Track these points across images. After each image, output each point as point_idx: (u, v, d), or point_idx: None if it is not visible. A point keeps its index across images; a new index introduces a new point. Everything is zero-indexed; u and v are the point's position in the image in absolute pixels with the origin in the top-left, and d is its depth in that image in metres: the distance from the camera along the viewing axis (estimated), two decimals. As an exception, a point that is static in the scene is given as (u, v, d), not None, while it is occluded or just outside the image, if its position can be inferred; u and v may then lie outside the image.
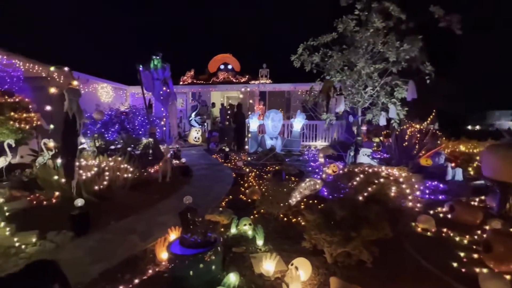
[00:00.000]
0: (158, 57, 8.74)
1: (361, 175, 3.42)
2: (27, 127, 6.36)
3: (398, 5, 5.38)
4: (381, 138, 10.00)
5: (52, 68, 7.54)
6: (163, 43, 23.97)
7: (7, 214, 3.67)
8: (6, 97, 5.93)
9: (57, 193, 3.74)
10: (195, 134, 12.25)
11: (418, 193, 3.32)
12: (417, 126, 6.77)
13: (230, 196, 4.71)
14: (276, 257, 2.36)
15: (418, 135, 6.69)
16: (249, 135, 9.74)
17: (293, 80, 12.22)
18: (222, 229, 3.40)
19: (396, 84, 5.54)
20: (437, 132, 6.82)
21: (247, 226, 3.18)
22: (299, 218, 3.56)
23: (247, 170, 6.14)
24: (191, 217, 3.51)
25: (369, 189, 3.18)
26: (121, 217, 3.86)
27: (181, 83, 13.61)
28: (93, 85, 11.63)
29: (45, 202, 4.17)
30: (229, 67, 14.19)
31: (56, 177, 3.75)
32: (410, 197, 3.18)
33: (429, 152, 5.96)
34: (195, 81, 13.91)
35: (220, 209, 3.91)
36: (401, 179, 3.25)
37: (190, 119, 12.18)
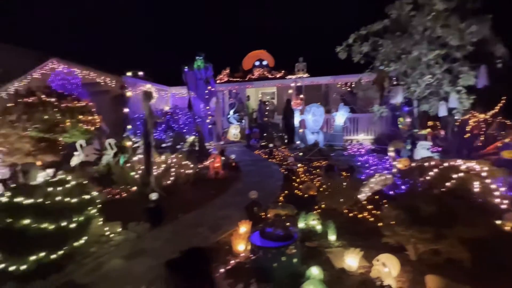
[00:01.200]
0: (201, 58, 9.07)
1: (435, 170, 3.21)
2: (92, 128, 7.01)
3: None
4: (429, 130, 9.29)
5: (129, 73, 8.17)
6: (198, 43, 24.70)
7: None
8: (76, 102, 6.61)
9: (134, 188, 4.08)
10: (234, 131, 12.50)
11: (503, 189, 3.03)
12: (481, 115, 6.16)
13: (286, 191, 4.73)
14: (360, 252, 2.32)
15: (483, 126, 6.08)
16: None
17: (331, 72, 11.84)
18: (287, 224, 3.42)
19: (460, 71, 5.05)
20: (506, 122, 6.12)
21: (315, 221, 3.17)
22: (365, 214, 3.47)
23: (297, 165, 6.11)
24: (256, 211, 3.61)
25: (448, 184, 2.97)
26: (186, 211, 4.10)
27: (217, 81, 13.94)
28: (140, 88, 12.42)
29: (118, 196, 4.59)
30: (264, 63, 14.17)
31: (133, 173, 4.10)
32: (495, 193, 2.91)
33: (494, 144, 5.39)
34: (231, 79, 14.16)
35: (280, 203, 3.94)
36: (483, 174, 2.98)
37: (229, 116, 12.46)
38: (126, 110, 10.21)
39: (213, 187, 5.13)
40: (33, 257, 2.46)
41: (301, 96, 11.75)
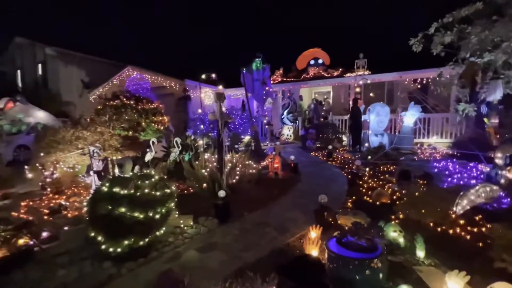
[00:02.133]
0: (259, 59, 9.20)
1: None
2: (162, 128, 7.71)
3: None
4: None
5: (203, 76, 8.87)
6: (251, 44, 25.38)
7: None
8: (149, 104, 7.36)
9: (205, 185, 4.31)
10: (287, 132, 12.39)
11: None
12: None
13: (354, 197, 4.41)
14: (466, 277, 1.96)
15: None
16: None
17: (396, 68, 10.74)
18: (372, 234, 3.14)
19: None
20: None
21: (396, 232, 2.83)
22: (457, 230, 2.96)
23: (365, 170, 5.66)
24: (327, 216, 3.43)
25: None
26: (251, 210, 4.14)
27: (271, 82, 13.99)
28: (199, 90, 13.27)
29: (186, 191, 4.92)
30: (320, 61, 13.68)
31: (203, 171, 4.34)
32: None
33: None
34: (284, 79, 14.05)
35: (350, 210, 3.67)
36: None
37: (282, 117, 12.38)
38: (188, 111, 11.02)
39: (275, 188, 5.09)
40: (126, 242, 2.75)
41: (359, 96, 10.93)
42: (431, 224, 3.15)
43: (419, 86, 10.43)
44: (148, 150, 6.82)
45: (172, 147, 7.36)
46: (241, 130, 10.96)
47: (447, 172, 5.86)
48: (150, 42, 28.87)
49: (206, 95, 13.92)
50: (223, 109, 3.93)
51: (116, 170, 4.99)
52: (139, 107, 7.07)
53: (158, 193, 2.98)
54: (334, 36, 19.95)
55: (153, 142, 6.93)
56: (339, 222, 3.40)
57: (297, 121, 12.35)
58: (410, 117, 8.31)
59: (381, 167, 6.20)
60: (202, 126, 11.24)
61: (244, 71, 8.62)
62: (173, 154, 7.09)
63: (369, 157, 6.16)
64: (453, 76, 5.66)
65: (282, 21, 25.73)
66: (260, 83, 9.41)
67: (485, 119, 7.37)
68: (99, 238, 2.74)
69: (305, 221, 3.71)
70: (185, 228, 3.57)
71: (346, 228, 2.61)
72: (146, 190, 2.91)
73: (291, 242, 3.14)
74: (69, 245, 3.07)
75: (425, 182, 4.96)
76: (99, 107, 7.08)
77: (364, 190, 4.73)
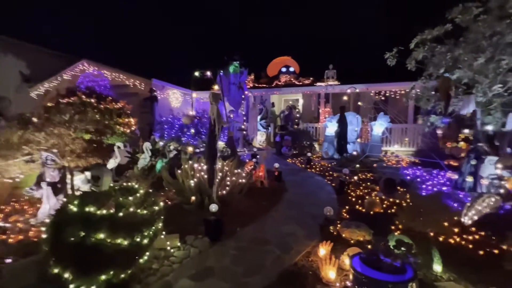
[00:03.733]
0: (236, 62, 8.88)
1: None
2: (128, 131, 6.82)
3: None
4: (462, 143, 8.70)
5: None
6: (221, 48, 24.80)
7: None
8: (114, 103, 6.45)
9: (193, 198, 3.76)
10: (259, 138, 12.20)
11: None
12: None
13: (346, 207, 4.31)
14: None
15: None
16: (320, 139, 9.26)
17: (363, 80, 11.42)
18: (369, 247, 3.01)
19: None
20: None
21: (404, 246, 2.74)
22: (464, 242, 3.01)
23: (353, 178, 5.68)
24: (332, 230, 3.22)
25: None
26: (243, 224, 3.73)
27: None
28: (167, 91, 12.35)
29: (167, 204, 4.29)
30: (291, 69, 13.91)
31: (192, 182, 3.79)
32: None
33: None
34: (256, 85, 13.94)
35: (352, 222, 3.53)
36: None
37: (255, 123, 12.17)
38: (154, 113, 10.12)
39: (263, 198, 4.77)
40: (104, 277, 2.15)
41: (328, 106, 11.33)
42: (433, 234, 3.16)
43: (383, 98, 11.22)
44: (113, 156, 5.95)
45: (139, 153, 6.56)
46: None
47: (418, 179, 6.25)
48: (113, 36, 26.39)
49: (174, 97, 13.03)
50: (224, 112, 3.49)
51: (78, 183, 4.16)
52: (102, 106, 6.13)
53: (145, 212, 2.43)
54: (301, 46, 20.63)
55: (118, 147, 6.07)
56: (343, 235, 3.23)
57: (269, 128, 12.27)
58: (379, 126, 8.80)
59: (360, 175, 6.33)
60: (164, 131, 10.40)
61: (221, 74, 8.20)
62: (141, 161, 6.30)
63: (330, 164, 6.22)
64: (426, 90, 6.13)
65: (250, 27, 25.76)
66: (236, 87, 9.08)
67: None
68: (66, 275, 2.09)
69: (305, 235, 3.47)
70: (171, 250, 3.02)
71: (371, 247, 2.40)
72: (131, 209, 2.35)
73: (298, 262, 2.85)
74: (18, 286, 2.32)
75: (404, 189, 5.16)
76: (49, 104, 5.95)
77: (353, 199, 4.70)
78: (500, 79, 4.88)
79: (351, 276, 2.23)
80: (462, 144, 8.79)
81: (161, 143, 7.07)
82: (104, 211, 2.22)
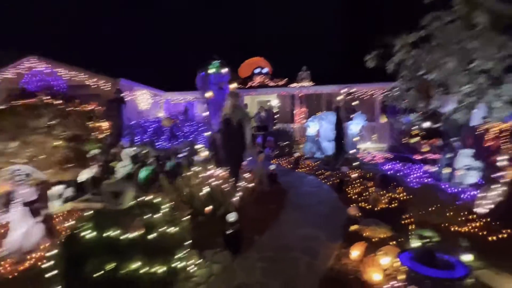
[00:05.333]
0: (216, 62, 8.48)
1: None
2: (100, 136, 6.03)
3: None
4: (416, 139, 9.73)
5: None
6: (189, 47, 23.66)
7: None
8: (83, 106, 5.62)
9: (208, 208, 3.38)
10: (237, 140, 11.92)
11: None
12: (505, 125, 6.41)
13: (352, 205, 4.36)
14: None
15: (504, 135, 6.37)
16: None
17: (336, 81, 11.97)
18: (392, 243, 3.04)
19: (501, 81, 5.26)
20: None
21: (435, 238, 2.84)
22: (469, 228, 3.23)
23: (351, 176, 5.80)
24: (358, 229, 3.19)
25: None
26: (258, 231, 3.53)
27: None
28: (135, 92, 11.36)
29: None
30: (264, 70, 13.94)
31: (207, 189, 3.41)
32: None
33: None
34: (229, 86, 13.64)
35: (370, 220, 3.56)
36: None
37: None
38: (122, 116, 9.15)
39: (267, 201, 4.59)
40: (137, 315, 1.76)
41: (304, 106, 11.61)
42: (442, 226, 3.34)
43: (353, 98, 11.89)
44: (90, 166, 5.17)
45: (115, 160, 5.84)
46: (191, 139, 9.85)
47: (400, 173, 6.70)
48: (69, 32, 23.38)
49: (143, 98, 12.04)
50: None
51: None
52: (69, 108, 5.28)
53: (175, 230, 2.09)
54: (271, 47, 20.80)
55: (94, 156, 5.33)
56: (365, 234, 3.23)
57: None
58: (356, 125, 9.27)
59: (348, 173, 6.54)
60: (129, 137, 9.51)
61: (203, 74, 7.77)
62: (121, 170, 5.62)
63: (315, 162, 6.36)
64: (402, 91, 6.62)
65: (220, 26, 25.10)
66: (217, 87, 8.68)
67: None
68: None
69: (325, 237, 3.39)
70: (193, 269, 2.67)
71: (423, 244, 2.40)
72: (162, 228, 1.99)
73: (333, 267, 2.74)
74: None
75: (393, 184, 5.46)
76: (2, 107, 4.92)
77: (354, 197, 4.80)
78: (469, 80, 5.48)
79: (400, 276, 2.20)
80: (417, 139, 9.79)
81: (129, 150, 6.34)
82: (133, 234, 1.83)
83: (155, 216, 2.04)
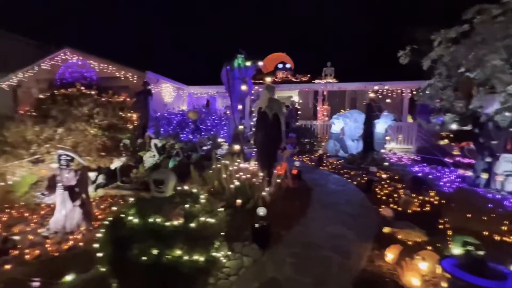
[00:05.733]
0: (242, 56, 8.50)
1: None
2: (131, 127, 6.23)
3: None
4: (445, 141, 9.17)
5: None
6: (213, 43, 23.85)
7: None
8: (116, 96, 5.83)
9: (239, 201, 3.42)
10: (258, 135, 11.92)
11: None
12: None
13: (382, 206, 4.22)
14: None
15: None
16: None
17: (361, 78, 11.56)
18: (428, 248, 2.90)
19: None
20: None
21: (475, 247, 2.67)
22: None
23: (380, 176, 5.63)
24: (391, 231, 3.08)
25: None
26: (285, 227, 3.51)
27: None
28: (160, 85, 11.65)
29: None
30: (287, 66, 13.76)
31: (237, 183, 3.45)
32: None
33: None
34: (252, 81, 13.62)
35: (397, 222, 3.43)
36: None
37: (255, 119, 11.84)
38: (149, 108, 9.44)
39: (293, 198, 4.54)
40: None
41: (327, 103, 11.33)
42: (487, 233, 3.14)
43: (380, 96, 11.44)
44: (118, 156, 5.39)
45: (144, 151, 6.03)
46: (213, 132, 9.98)
47: (431, 176, 6.38)
48: (101, 25, 24.47)
49: (167, 91, 12.33)
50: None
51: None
52: (103, 99, 5.51)
53: (213, 220, 2.11)
54: (295, 42, 20.44)
55: (124, 145, 5.53)
56: (399, 237, 3.11)
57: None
58: (383, 124, 8.92)
59: (378, 172, 6.32)
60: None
61: (228, 68, 7.80)
62: (150, 160, 5.81)
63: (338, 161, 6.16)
64: (436, 89, 6.24)
65: (243, 22, 24.99)
66: (241, 81, 8.70)
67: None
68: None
69: (355, 237, 3.31)
70: (222, 259, 2.70)
71: (467, 251, 2.27)
72: (202, 218, 2.01)
73: (366, 268, 2.67)
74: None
75: (425, 186, 5.20)
76: (41, 96, 5.23)
77: (383, 197, 4.63)
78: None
79: (443, 283, 2.09)
80: (445, 141, 9.26)
81: (158, 140, 6.52)
82: (175, 222, 1.87)
83: (195, 206, 2.07)
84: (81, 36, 22.83)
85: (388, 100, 11.16)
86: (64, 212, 3.20)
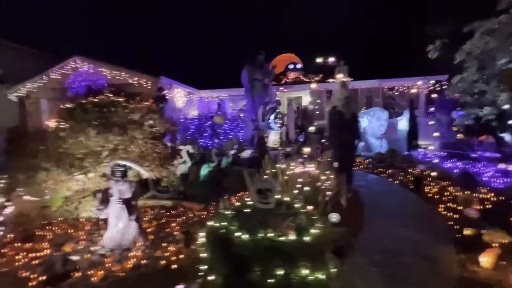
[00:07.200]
0: (262, 55, 8.33)
1: None
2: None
3: None
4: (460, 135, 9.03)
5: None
6: (222, 44, 23.64)
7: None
8: (142, 102, 5.59)
9: (310, 207, 3.21)
10: (273, 138, 11.73)
11: None
12: None
13: (441, 205, 4.03)
14: None
15: None
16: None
17: (376, 76, 11.44)
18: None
19: None
20: None
21: None
22: None
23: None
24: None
25: None
26: (351, 233, 3.30)
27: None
28: (173, 91, 11.45)
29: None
30: (298, 66, 13.63)
31: (306, 188, 3.24)
32: None
33: None
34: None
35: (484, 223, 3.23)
36: None
37: (269, 121, 11.68)
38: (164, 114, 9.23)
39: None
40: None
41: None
42: None
43: (396, 93, 11.33)
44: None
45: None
46: (232, 135, 9.79)
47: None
48: (110, 32, 24.27)
49: (178, 96, 12.12)
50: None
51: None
52: (132, 105, 5.29)
53: (323, 232, 1.91)
54: (306, 41, 20.23)
55: (187, 151, 5.42)
56: (485, 239, 2.92)
57: (283, 127, 11.85)
58: (405, 121, 8.78)
59: (412, 170, 6.16)
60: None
61: (246, 70, 7.64)
62: (182, 167, 5.60)
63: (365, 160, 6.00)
64: (468, 82, 6.10)
65: (249, 22, 24.74)
66: (260, 84, 8.55)
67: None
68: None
69: (430, 240, 3.11)
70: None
71: None
72: (313, 230, 1.81)
73: (462, 275, 2.47)
74: None
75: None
76: (66, 106, 5.00)
77: (436, 196, 4.45)
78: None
79: None
80: (460, 135, 9.09)
81: (188, 147, 6.38)
82: (290, 237, 1.67)
83: (300, 218, 1.87)
84: (90, 43, 22.64)
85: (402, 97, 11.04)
86: (119, 227, 2.98)
